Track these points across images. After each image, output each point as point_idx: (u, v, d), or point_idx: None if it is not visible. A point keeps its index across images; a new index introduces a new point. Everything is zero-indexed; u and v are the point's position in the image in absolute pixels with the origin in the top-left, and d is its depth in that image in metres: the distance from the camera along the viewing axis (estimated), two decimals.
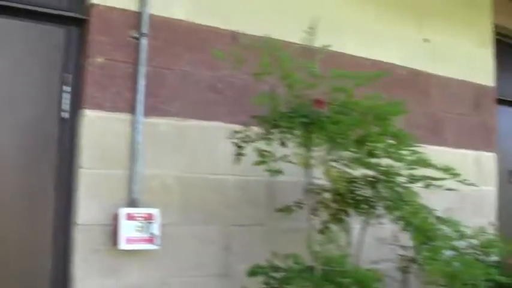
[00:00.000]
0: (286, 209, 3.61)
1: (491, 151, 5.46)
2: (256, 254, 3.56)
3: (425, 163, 3.25)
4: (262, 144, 3.23)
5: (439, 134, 4.99)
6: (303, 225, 3.43)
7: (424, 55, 4.97)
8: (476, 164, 5.29)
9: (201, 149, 3.80)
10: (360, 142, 3.04)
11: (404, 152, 3.10)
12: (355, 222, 3.58)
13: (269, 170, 3.14)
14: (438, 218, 3.40)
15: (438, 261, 3.14)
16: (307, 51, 3.24)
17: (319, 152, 3.11)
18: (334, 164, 3.13)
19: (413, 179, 3.37)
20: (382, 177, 3.33)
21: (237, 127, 3.47)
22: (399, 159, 3.12)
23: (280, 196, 3.89)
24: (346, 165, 3.10)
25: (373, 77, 3.20)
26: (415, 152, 3.13)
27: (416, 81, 4.88)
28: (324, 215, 3.55)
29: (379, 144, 3.08)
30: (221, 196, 3.83)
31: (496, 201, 5.48)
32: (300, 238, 3.39)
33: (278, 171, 3.15)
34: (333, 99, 3.07)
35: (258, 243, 3.86)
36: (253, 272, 3.36)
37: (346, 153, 3.10)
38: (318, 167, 3.18)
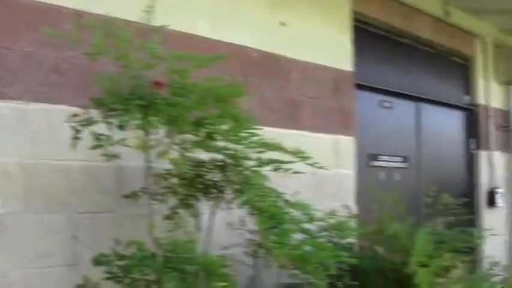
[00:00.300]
0: (133, 195, 3.49)
1: (349, 135, 5.55)
2: (105, 242, 3.42)
3: (270, 146, 3.23)
4: (101, 128, 3.09)
5: (297, 118, 5.00)
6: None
7: (281, 39, 4.95)
8: (335, 148, 5.36)
9: (44, 133, 3.59)
10: (199, 125, 2.96)
11: (243, 135, 3.05)
12: (205, 207, 3.52)
13: (105, 155, 3.00)
14: (287, 201, 3.39)
15: (285, 245, 3.12)
16: (150, 31, 3.13)
17: (159, 135, 3.01)
18: (175, 147, 3.03)
19: (262, 162, 3.34)
20: (230, 161, 3.28)
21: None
22: (237, 141, 3.06)
23: (130, 182, 3.75)
24: (185, 148, 3.00)
25: (212, 59, 3.13)
26: (253, 135, 3.08)
27: (273, 65, 4.85)
28: (173, 200, 3.47)
29: (217, 127, 3.01)
30: (67, 182, 3.65)
31: (355, 184, 5.57)
32: None
33: (114, 156, 3.02)
34: (172, 81, 2.96)
35: (107, 230, 3.71)
36: (97, 261, 3.23)
37: (188, 136, 3.02)
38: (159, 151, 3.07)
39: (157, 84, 2.91)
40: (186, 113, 2.89)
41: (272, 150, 3.31)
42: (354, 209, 5.27)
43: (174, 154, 3.02)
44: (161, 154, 2.97)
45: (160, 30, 3.03)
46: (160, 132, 3.02)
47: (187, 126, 2.90)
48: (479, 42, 8.00)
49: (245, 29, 4.69)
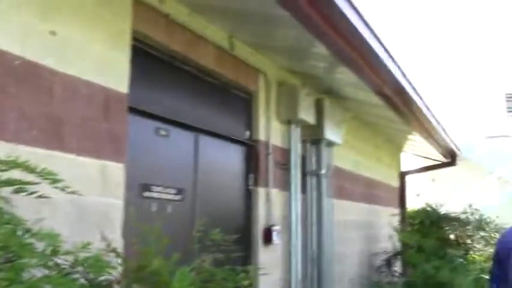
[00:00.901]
0: None
1: (119, 162, 5.09)
2: None
3: (10, 163, 2.75)
4: None
5: (59, 138, 4.46)
6: None
7: (49, 49, 4.42)
8: (102, 175, 4.87)
9: None
10: None
11: None
12: None
13: None
14: (29, 230, 2.90)
15: (18, 283, 2.63)
16: None
17: None
18: None
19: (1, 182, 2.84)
20: None
21: None
22: None
23: None
24: None
25: None
26: None
27: (36, 77, 4.30)
28: None
29: None
30: None
31: (123, 216, 5.12)
32: None
33: None
34: None
35: None
36: None
37: None
38: None
39: None
40: None
41: (14, 168, 2.83)
42: (120, 242, 4.84)
43: None
44: None
45: None
46: None
47: None
48: (262, 78, 7.97)
49: (12, 33, 4.12)
